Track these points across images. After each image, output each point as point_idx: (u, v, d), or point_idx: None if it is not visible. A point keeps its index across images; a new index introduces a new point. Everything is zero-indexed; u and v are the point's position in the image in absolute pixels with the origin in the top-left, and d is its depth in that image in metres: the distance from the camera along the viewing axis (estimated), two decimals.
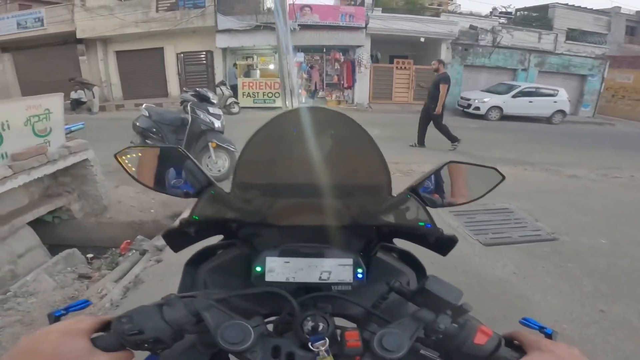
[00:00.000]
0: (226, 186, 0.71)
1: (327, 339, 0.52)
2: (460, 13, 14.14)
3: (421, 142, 6.91)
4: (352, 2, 13.77)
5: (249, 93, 11.81)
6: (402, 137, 7.44)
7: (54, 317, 0.52)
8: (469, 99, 11.72)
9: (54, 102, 3.17)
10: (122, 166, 0.69)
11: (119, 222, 3.84)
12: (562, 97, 11.80)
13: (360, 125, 0.66)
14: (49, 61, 12.75)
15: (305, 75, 12.43)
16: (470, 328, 0.51)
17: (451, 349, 0.52)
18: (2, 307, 2.45)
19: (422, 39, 12.45)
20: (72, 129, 3.66)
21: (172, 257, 2.87)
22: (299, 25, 11.55)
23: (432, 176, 0.72)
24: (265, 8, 11.94)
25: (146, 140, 4.82)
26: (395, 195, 0.69)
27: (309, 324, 0.55)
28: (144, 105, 5.10)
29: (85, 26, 11.87)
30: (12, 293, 2.65)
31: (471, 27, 13.04)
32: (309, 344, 0.52)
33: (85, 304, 0.57)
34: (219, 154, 4.58)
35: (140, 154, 0.74)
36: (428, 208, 0.65)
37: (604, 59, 13.89)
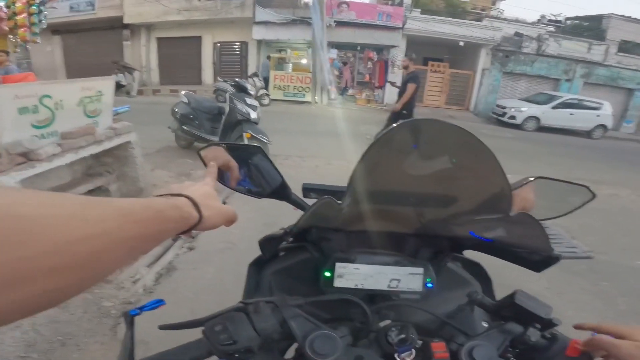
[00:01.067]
0: None
1: (413, 350, 0.51)
2: (505, 19, 13.59)
3: None
4: (390, 2, 13.54)
5: (280, 86, 11.90)
6: None
7: (130, 316, 0.54)
8: (504, 107, 11.30)
9: (106, 85, 3.29)
10: (204, 163, 0.69)
11: None
12: (606, 111, 11.17)
13: (480, 140, 0.61)
14: (94, 45, 13.36)
15: (336, 72, 12.37)
16: (563, 341, 0.51)
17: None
18: None
19: (462, 43, 12.09)
20: (119, 111, 3.80)
21: (204, 244, 2.95)
22: (335, 21, 11.50)
23: (520, 188, 0.71)
24: (302, 2, 11.94)
25: (183, 127, 4.96)
26: (513, 214, 0.65)
27: (393, 335, 0.54)
28: (183, 92, 5.24)
29: (132, 12, 12.36)
30: None
31: (516, 33, 12.53)
32: (396, 355, 0.51)
33: (159, 303, 0.58)
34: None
35: (221, 152, 0.73)
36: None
37: None
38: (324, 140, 6.74)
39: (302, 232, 0.71)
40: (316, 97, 11.52)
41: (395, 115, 6.15)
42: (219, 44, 13.35)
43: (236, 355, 0.47)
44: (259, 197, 0.74)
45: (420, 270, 0.64)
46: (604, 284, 2.73)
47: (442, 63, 13.21)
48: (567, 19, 15.51)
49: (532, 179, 0.70)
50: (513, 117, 10.93)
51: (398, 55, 12.57)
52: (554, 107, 10.96)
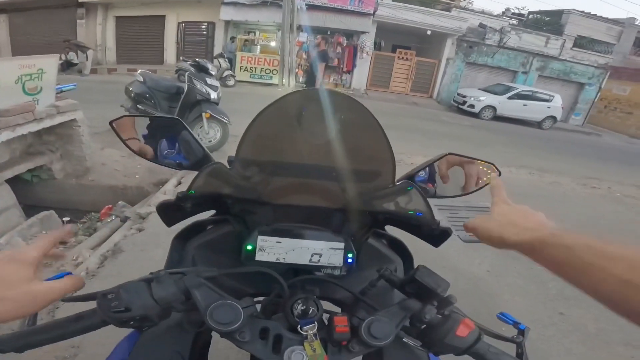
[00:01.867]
0: (217, 158, 0.69)
1: (316, 323, 0.51)
2: (472, 10, 13.94)
3: None
4: None
5: (247, 67, 11.66)
6: (396, 127, 7.48)
7: None
8: (465, 96, 11.76)
9: (49, 63, 3.13)
10: (117, 133, 0.70)
11: (101, 186, 3.79)
12: (557, 104, 11.91)
13: (370, 112, 0.65)
14: (45, 24, 12.40)
15: (304, 56, 12.25)
16: (454, 320, 0.51)
17: (434, 338, 0.51)
18: None
19: (429, 32, 12.32)
20: (64, 89, 3.61)
21: (154, 226, 2.86)
22: (306, 4, 11.30)
23: (431, 166, 0.73)
24: None
25: (137, 106, 4.78)
26: (397, 183, 0.69)
27: (299, 307, 0.54)
28: (139, 71, 5.03)
29: None
30: None
31: (480, 25, 12.90)
32: (298, 327, 0.51)
33: (65, 274, 0.56)
34: (212, 124, 4.58)
35: (137, 122, 0.73)
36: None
37: (606, 69, 13.93)
38: None
39: (225, 204, 0.70)
40: (283, 80, 11.39)
41: None
42: (183, 24, 12.74)
43: (131, 323, 0.46)
44: (182, 169, 0.73)
45: (341, 245, 0.63)
46: (538, 269, 3.00)
47: (410, 51, 13.42)
48: (530, 12, 16.15)
49: (444, 154, 0.73)
50: (472, 106, 11.41)
51: (367, 42, 12.64)
52: (509, 98, 11.54)
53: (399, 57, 13.30)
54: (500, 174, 0.71)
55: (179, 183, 3.78)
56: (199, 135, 4.63)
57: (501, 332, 0.58)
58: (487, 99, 11.47)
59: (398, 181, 0.70)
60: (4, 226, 3.01)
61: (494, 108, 11.46)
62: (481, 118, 11.34)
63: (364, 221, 0.71)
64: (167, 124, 0.75)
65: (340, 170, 0.67)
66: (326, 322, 0.53)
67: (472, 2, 16.80)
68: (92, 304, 0.49)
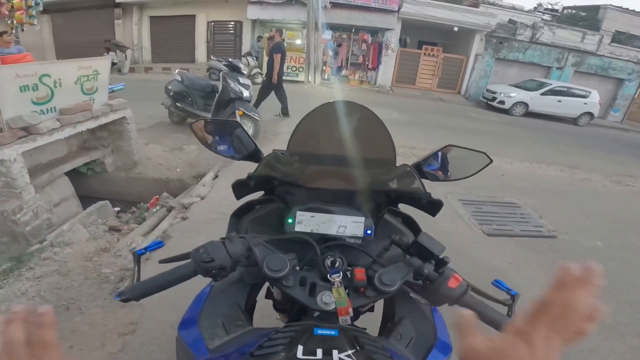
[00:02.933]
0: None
1: (341, 272, 0.65)
2: (501, 6, 13.52)
3: (257, 105, 6.36)
4: None
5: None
6: (420, 122, 7.47)
7: (137, 255, 0.68)
8: (494, 92, 11.46)
9: (102, 64, 3.44)
10: (195, 133, 0.92)
11: (146, 178, 4.11)
12: (593, 100, 11.39)
13: (376, 115, 0.89)
14: (85, 24, 13.05)
15: (330, 53, 12.36)
16: (446, 275, 0.63)
17: (431, 291, 0.64)
18: (40, 257, 2.53)
19: (456, 28, 12.08)
20: (115, 89, 3.94)
21: (196, 215, 3.12)
22: (330, 2, 11.39)
23: (434, 155, 0.91)
24: None
25: (176, 103, 5.10)
26: (397, 166, 0.89)
27: (328, 261, 0.70)
28: (177, 71, 5.34)
29: None
30: (48, 242, 2.75)
31: (510, 21, 12.51)
32: (328, 276, 0.65)
33: (160, 244, 0.77)
34: (245, 121, 4.83)
35: (207, 124, 0.96)
36: (424, 180, 0.84)
37: None
38: None
39: (271, 187, 0.89)
40: (309, 77, 11.56)
41: (270, 85, 6.28)
42: (212, 23, 13.14)
43: (213, 272, 0.60)
44: (238, 160, 0.94)
45: (361, 219, 0.79)
46: (561, 262, 3.01)
47: (436, 47, 13.21)
48: (565, 8, 15.46)
49: (443, 146, 0.91)
50: (502, 102, 11.11)
51: (392, 38, 12.56)
52: (542, 94, 11.14)
53: (425, 53, 13.12)
54: (491, 161, 0.86)
55: (216, 176, 4.03)
56: None
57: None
58: (518, 95, 11.13)
59: (400, 165, 0.89)
60: (64, 214, 3.36)
61: (525, 104, 11.11)
62: (512, 114, 11.03)
63: (380, 200, 0.89)
64: (231, 125, 0.94)
65: (357, 160, 0.86)
66: (349, 275, 0.67)
67: None
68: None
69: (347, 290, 0.64)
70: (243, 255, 0.62)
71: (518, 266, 2.80)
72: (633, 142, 10.36)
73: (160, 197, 3.84)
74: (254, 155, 0.91)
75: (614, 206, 4.38)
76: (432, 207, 0.80)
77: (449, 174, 0.91)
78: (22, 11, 3.15)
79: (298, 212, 0.79)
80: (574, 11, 14.71)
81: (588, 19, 13.50)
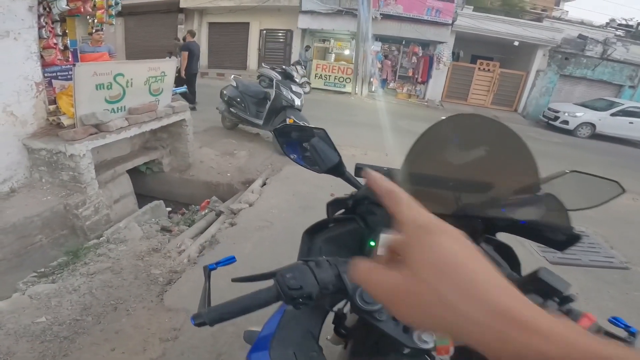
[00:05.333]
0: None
1: None
2: (569, 20, 12.61)
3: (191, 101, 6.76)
4: None
5: (321, 75, 11.99)
6: None
7: (209, 271, 0.64)
8: (557, 111, 10.59)
9: (169, 66, 3.57)
10: (277, 139, 0.83)
11: (198, 181, 4.20)
12: None
13: (515, 132, 0.70)
14: (151, 27, 14.10)
15: (379, 65, 12.21)
16: (576, 314, 0.56)
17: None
18: (96, 252, 2.59)
19: (516, 43, 11.43)
20: (177, 91, 4.07)
21: (244, 222, 3.10)
22: (381, 14, 11.29)
23: (555, 180, 0.77)
24: None
25: (230, 109, 5.20)
26: (539, 195, 0.73)
27: None
28: (232, 76, 5.48)
29: None
30: (105, 238, 2.82)
31: (580, 36, 11.60)
32: None
33: (232, 260, 0.69)
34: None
35: (291, 131, 0.86)
36: None
37: None
38: (362, 130, 6.75)
39: (353, 206, 0.80)
40: (356, 88, 11.47)
41: (179, 80, 6.41)
42: (264, 31, 13.59)
43: (300, 300, 0.53)
44: (319, 172, 0.84)
45: None
46: (635, 294, 2.72)
47: (492, 62, 12.57)
48: None
49: (567, 171, 0.79)
50: (566, 122, 10.23)
51: (444, 52, 12.15)
52: (612, 115, 10.12)
53: (479, 68, 12.53)
54: (624, 191, 0.75)
55: (264, 184, 4.00)
56: None
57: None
58: (585, 114, 10.19)
59: (545, 194, 0.73)
60: (122, 211, 3.48)
61: (592, 125, 10.14)
62: (576, 136, 10.12)
63: (476, 227, 0.77)
64: (314, 132, 0.84)
65: (486, 184, 0.70)
66: None
67: (567, 12, 15.24)
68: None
69: None
70: (331, 283, 0.56)
71: (587, 296, 2.64)
72: None
73: (210, 201, 3.87)
74: (335, 168, 0.83)
75: None
76: (565, 241, 0.68)
77: (572, 202, 0.76)
78: (102, 10, 3.32)
79: (382, 235, 0.66)
80: None
81: None
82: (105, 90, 2.94)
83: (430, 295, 0.24)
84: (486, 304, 0.22)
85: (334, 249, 0.77)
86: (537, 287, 0.59)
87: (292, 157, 0.85)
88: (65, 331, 1.87)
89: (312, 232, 0.79)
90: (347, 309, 0.77)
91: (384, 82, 12.64)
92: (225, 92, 5.27)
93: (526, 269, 0.71)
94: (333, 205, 0.77)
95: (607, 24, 13.39)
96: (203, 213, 3.68)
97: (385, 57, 12.63)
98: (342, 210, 0.84)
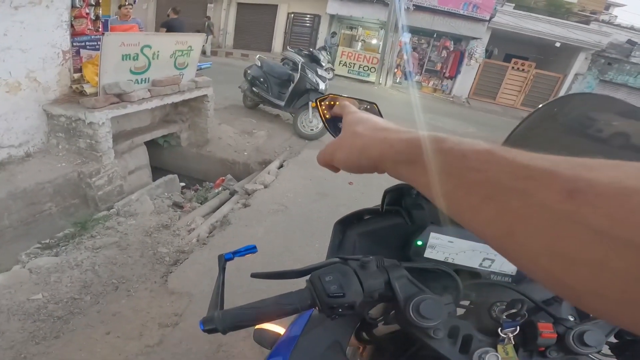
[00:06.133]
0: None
1: (518, 327, 0.51)
2: (618, 25, 11.86)
3: None
4: None
5: (346, 62, 11.76)
6: (501, 140, 6.75)
7: (224, 261, 0.54)
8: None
9: (196, 41, 3.52)
10: (319, 111, 0.71)
11: (215, 157, 4.15)
12: None
13: None
14: (182, 4, 14.06)
15: (405, 56, 11.85)
16: None
17: (636, 353, 0.53)
18: (104, 225, 2.51)
19: (558, 44, 10.85)
20: (202, 67, 4.02)
21: (258, 204, 3.01)
22: (414, 5, 10.88)
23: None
24: None
25: (252, 88, 5.12)
26: None
27: (497, 309, 0.53)
28: (257, 56, 5.38)
29: None
30: (115, 210, 2.77)
31: (629, 41, 10.92)
32: (499, 330, 0.50)
33: (253, 249, 0.59)
34: (316, 114, 4.69)
35: (336, 103, 0.74)
36: None
37: None
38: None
39: (397, 198, 0.69)
40: (380, 78, 11.20)
41: None
42: (292, 15, 13.38)
43: (339, 310, 0.43)
44: None
45: None
46: None
47: (528, 62, 11.99)
48: None
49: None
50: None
51: (478, 48, 11.66)
52: None
53: (513, 67, 11.98)
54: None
55: (281, 166, 3.92)
56: (302, 123, 4.82)
57: None
58: None
59: None
60: (136, 182, 3.46)
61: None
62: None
63: None
64: (365, 105, 0.71)
65: None
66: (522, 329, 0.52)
67: (617, 17, 14.35)
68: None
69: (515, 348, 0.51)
70: (379, 290, 0.47)
71: None
72: None
73: (225, 179, 3.83)
74: None
75: None
76: None
77: None
78: None
79: (432, 234, 0.61)
80: None
81: None
82: (131, 61, 2.91)
83: (351, 138, 0.36)
84: (374, 126, 0.35)
85: (370, 245, 0.67)
86: None
87: (333, 133, 0.74)
88: (61, 310, 1.79)
89: (346, 223, 0.69)
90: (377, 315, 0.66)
91: (410, 75, 12.28)
92: (249, 71, 5.18)
93: None
94: (390, 193, 0.65)
95: None
96: (217, 191, 3.64)
97: (414, 49, 12.24)
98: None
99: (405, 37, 11.41)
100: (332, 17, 12.55)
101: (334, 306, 0.43)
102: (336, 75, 11.11)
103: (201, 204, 3.32)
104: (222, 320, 0.44)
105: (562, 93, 11.77)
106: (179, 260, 2.31)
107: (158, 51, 3.07)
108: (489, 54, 12.07)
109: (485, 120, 9.10)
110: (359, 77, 11.64)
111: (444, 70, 12.13)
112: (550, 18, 11.06)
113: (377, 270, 0.48)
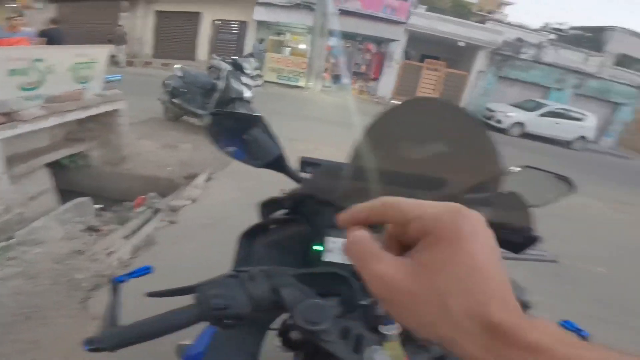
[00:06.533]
0: None
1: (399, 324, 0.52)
2: (509, 23, 13.64)
3: None
4: None
5: (275, 68, 11.83)
6: None
7: (116, 283, 0.53)
8: (493, 111, 11.47)
9: (101, 53, 3.31)
10: (209, 129, 0.73)
11: (134, 175, 3.91)
12: (590, 124, 11.43)
13: (479, 120, 0.66)
14: (90, 15, 12.91)
15: (332, 60, 12.33)
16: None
17: None
18: (5, 256, 2.29)
19: (462, 44, 12.15)
20: (111, 79, 3.78)
21: (186, 220, 2.91)
22: (339, 9, 11.38)
23: (511, 176, 0.74)
24: None
25: (173, 100, 4.93)
26: (502, 192, 0.67)
27: (380, 308, 0.55)
28: (178, 66, 5.20)
29: None
30: (15, 240, 2.48)
31: (518, 39, 12.60)
32: (378, 327, 0.52)
33: (147, 270, 0.58)
34: None
35: (228, 118, 0.77)
36: None
37: None
38: (314, 125, 6.78)
39: (295, 205, 0.70)
40: (310, 83, 11.49)
41: None
42: (218, 22, 13.05)
43: (225, 322, 0.45)
44: (257, 167, 0.74)
45: None
46: (566, 287, 2.93)
47: (439, 61, 13.25)
48: (571, 28, 15.59)
49: (519, 168, 0.75)
50: (499, 121, 11.09)
51: (397, 50, 12.58)
52: (540, 115, 11.19)
53: (427, 67, 13.14)
54: (575, 189, 0.73)
55: (209, 178, 3.85)
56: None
57: None
58: (516, 115, 11.16)
59: (508, 192, 0.68)
60: (40, 209, 3.10)
61: (522, 125, 11.14)
62: (509, 134, 11.03)
63: None
64: (251, 120, 0.74)
65: (442, 179, 0.63)
66: None
67: (507, 15, 16.51)
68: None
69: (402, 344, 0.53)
70: (267, 299, 0.48)
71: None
72: (626, 168, 10.42)
73: (147, 197, 3.63)
74: (276, 163, 0.73)
75: (615, 233, 4.36)
76: (523, 243, 0.62)
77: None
78: None
79: (329, 239, 0.63)
80: (580, 32, 14.84)
81: (593, 40, 13.51)
82: (20, 77, 2.64)
83: (436, 307, 0.21)
84: (485, 317, 0.19)
85: (276, 255, 0.68)
86: None
87: (227, 150, 0.74)
88: None
89: (251, 236, 0.70)
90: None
91: (338, 78, 12.79)
92: (168, 82, 4.99)
93: None
94: (268, 205, 0.67)
95: (542, 27, 14.70)
96: (139, 210, 3.44)
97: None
98: (285, 211, 0.73)
99: (332, 42, 11.88)
100: (259, 23, 12.52)
101: (220, 317, 0.45)
102: (266, 81, 11.11)
103: (122, 225, 3.13)
104: (109, 338, 0.43)
105: (468, 89, 13.25)
106: (99, 284, 2.16)
107: (53, 65, 2.83)
108: (407, 55, 13.09)
109: None
110: (289, 83, 11.78)
111: (369, 73, 12.87)
112: (455, 19, 12.27)
113: (264, 280, 0.48)
